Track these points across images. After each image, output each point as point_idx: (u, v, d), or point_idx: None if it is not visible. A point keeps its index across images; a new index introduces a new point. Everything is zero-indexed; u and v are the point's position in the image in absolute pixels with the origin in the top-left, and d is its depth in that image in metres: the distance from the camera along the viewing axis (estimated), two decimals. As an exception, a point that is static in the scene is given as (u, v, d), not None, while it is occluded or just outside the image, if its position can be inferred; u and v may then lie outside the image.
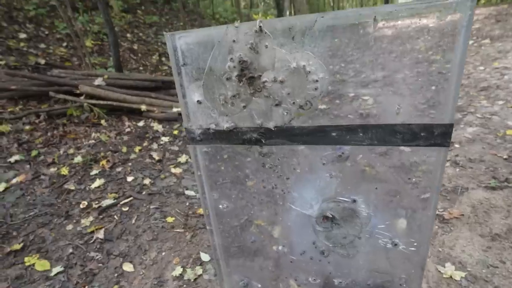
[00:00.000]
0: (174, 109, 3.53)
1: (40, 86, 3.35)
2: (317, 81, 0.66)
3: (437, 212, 1.74)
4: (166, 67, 5.61)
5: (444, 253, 1.48)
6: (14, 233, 1.85)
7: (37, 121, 3.11)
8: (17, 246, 1.74)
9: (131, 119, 3.49)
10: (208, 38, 0.71)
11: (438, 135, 0.63)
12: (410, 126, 0.64)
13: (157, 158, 2.71)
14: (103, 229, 1.87)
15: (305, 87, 0.67)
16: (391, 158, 0.71)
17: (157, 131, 3.28)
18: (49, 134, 3.04)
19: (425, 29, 0.60)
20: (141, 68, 5.30)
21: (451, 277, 1.35)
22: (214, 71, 0.73)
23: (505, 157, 2.16)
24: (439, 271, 1.38)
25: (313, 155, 0.75)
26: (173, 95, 3.84)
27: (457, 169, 2.12)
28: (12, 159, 2.52)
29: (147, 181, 2.36)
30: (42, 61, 4.15)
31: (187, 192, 2.21)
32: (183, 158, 2.73)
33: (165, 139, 3.11)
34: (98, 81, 3.44)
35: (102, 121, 3.33)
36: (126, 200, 2.14)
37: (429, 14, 0.58)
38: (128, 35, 6.24)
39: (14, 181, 2.32)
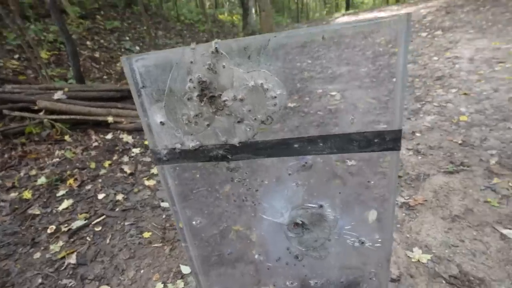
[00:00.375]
0: (143, 119, 3.42)
1: (-9, 105, 3.11)
2: (275, 97, 0.68)
3: (403, 200, 1.86)
4: (131, 74, 5.42)
5: (411, 239, 1.59)
6: (-25, 269, 1.71)
7: (-9, 142, 2.89)
8: (-21, 283, 1.61)
9: (98, 132, 3.34)
10: (165, 60, 0.71)
11: (390, 141, 0.68)
12: (364, 134, 0.69)
13: (129, 171, 2.62)
14: (75, 253, 1.79)
15: (264, 104, 0.69)
16: (350, 164, 0.76)
17: (127, 142, 3.17)
18: (6, 155, 2.83)
19: (369, 45, 0.65)
20: (105, 77, 5.08)
21: (418, 260, 1.45)
22: (175, 92, 0.73)
23: (459, 142, 2.35)
24: (408, 256, 1.48)
25: (279, 166, 0.78)
26: (141, 103, 3.72)
27: (419, 157, 2.28)
28: (-34, 187, 2.32)
29: (119, 197, 2.29)
30: (-8, 77, 3.84)
31: (162, 204, 2.17)
32: (156, 169, 2.67)
33: (136, 150, 3.01)
34: (58, 94, 3.26)
35: (66, 137, 3.16)
36: (98, 220, 2.06)
37: (371, 31, 0.62)
38: (88, 42, 5.94)
39: (-31, 211, 2.14)
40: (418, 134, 2.61)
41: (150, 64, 0.72)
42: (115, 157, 2.91)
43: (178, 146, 0.79)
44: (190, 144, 0.78)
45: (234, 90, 0.69)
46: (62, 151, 2.93)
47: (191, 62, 0.69)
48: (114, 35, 6.68)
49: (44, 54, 4.71)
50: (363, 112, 0.70)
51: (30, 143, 3.04)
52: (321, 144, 0.72)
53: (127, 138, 3.22)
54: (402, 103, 0.65)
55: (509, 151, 2.09)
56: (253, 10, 11.39)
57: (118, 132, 3.36)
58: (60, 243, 1.88)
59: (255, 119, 0.72)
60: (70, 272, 1.67)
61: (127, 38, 6.86)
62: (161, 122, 0.77)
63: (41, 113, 3.18)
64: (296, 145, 0.74)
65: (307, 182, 0.78)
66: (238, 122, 0.73)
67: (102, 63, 5.48)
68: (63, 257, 1.77)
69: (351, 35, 0.63)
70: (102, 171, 2.65)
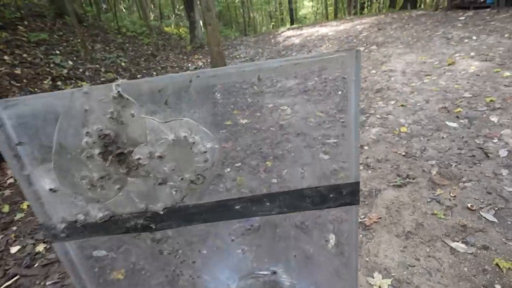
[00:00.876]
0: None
1: None
2: (205, 152, 0.53)
3: (359, 220, 1.84)
4: (62, 93, 4.80)
5: (371, 262, 1.54)
6: None
7: None
8: None
9: (16, 165, 2.80)
10: (48, 108, 0.51)
11: (347, 194, 0.58)
12: (318, 189, 0.57)
13: (54, 212, 2.20)
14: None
15: (192, 160, 0.54)
16: (305, 222, 0.64)
17: (54, 175, 2.70)
18: None
19: (319, 84, 0.54)
20: (27, 97, 4.40)
21: (380, 287, 1.40)
22: (67, 149, 0.53)
23: (403, 153, 2.46)
24: (370, 283, 1.43)
25: (219, 232, 0.62)
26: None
27: (369, 171, 2.32)
28: None
29: (41, 248, 1.88)
30: None
31: (95, 253, 1.83)
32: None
33: (65, 184, 2.58)
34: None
35: (-29, 175, 2.58)
36: (8, 283, 1.65)
37: (314, 67, 0.51)
38: (6, 57, 5.14)
39: None
40: (366, 148, 2.68)
41: (26, 112, 0.51)
42: (37, 195, 2.44)
43: (81, 217, 0.59)
44: (98, 214, 0.58)
45: (150, 146, 0.52)
46: (-36, 194, 2.37)
47: (86, 110, 0.50)
48: (40, 48, 5.92)
49: None
50: (314, 165, 0.59)
51: None
52: (268, 204, 0.58)
53: (54, 170, 2.75)
54: (357, 153, 0.55)
55: (446, 161, 2.23)
56: (201, 23, 11.26)
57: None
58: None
59: (182, 179, 0.55)
60: None
61: (57, 52, 6.13)
62: (51, 188, 0.56)
63: None
64: (237, 207, 0.59)
65: (255, 246, 0.64)
66: (160, 184, 0.56)
67: (25, 80, 4.76)
68: None
69: (292, 72, 0.51)
70: (19, 216, 2.18)
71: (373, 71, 4.92)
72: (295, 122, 3.43)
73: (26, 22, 7.00)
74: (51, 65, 5.56)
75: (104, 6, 12.28)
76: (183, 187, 0.56)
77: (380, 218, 1.83)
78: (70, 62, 5.97)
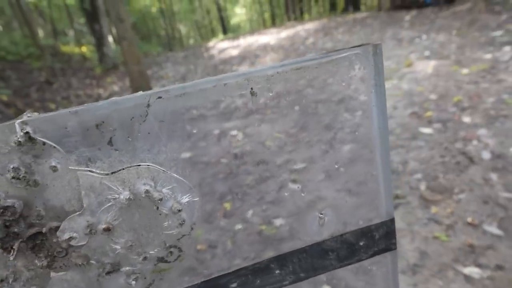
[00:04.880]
0: None
1: None
2: (179, 210, 0.42)
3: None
4: None
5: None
6: None
7: None
8: None
9: None
10: None
11: (381, 238, 0.52)
12: (343, 238, 0.50)
13: None
14: None
15: (160, 226, 0.43)
16: (329, 284, 0.56)
17: None
18: None
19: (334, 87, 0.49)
20: None
21: None
22: None
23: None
24: None
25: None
26: None
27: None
28: None
29: None
30: None
31: None
32: None
33: None
34: None
35: None
36: None
37: (322, 71, 0.47)
38: None
39: None
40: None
41: None
42: None
43: None
44: None
45: (88, 215, 0.40)
46: None
47: (-33, 171, 0.36)
48: None
49: None
50: (334, 204, 0.52)
51: None
52: (277, 272, 0.49)
53: None
54: (389, 181, 0.51)
55: (431, 172, 2.41)
56: (110, 39, 10.97)
57: None
58: None
59: (145, 258, 0.43)
60: None
61: None
62: None
63: None
64: (233, 285, 0.48)
65: None
66: (109, 273, 0.43)
67: None
68: None
69: (293, 79, 0.46)
70: None
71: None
72: (251, 149, 3.41)
73: None
74: None
75: (-30, 24, 11.24)
76: (147, 270, 0.44)
77: (378, 253, 1.84)
78: None
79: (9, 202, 0.38)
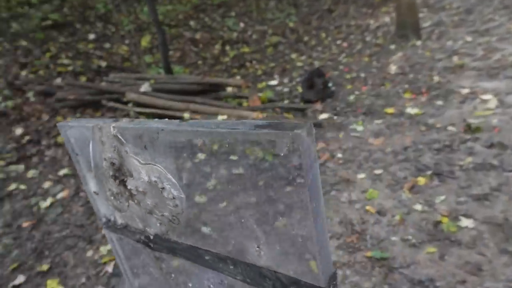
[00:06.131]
0: (220, 117, 3.78)
1: (94, 95, 4.14)
2: (173, 198, 0.67)
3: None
4: (227, 59, 5.98)
5: None
6: (46, 253, 2.42)
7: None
8: (44, 267, 2.28)
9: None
10: (84, 135, 0.80)
11: (310, 295, 0.56)
12: (277, 275, 0.59)
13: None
14: (114, 261, 2.25)
15: (165, 203, 0.69)
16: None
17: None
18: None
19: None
20: (200, 62, 5.82)
21: None
22: (98, 167, 0.82)
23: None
24: None
25: (200, 274, 0.76)
26: (221, 98, 4.10)
27: None
28: (61, 173, 3.25)
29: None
30: (104, 64, 5.08)
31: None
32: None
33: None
34: (145, 87, 4.00)
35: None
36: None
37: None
38: (192, 22, 6.91)
39: (59, 196, 3.00)
40: None
41: (76, 135, 0.84)
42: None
43: (112, 218, 0.89)
44: (119, 220, 0.87)
45: (135, 180, 0.72)
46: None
47: (102, 142, 0.76)
48: (219, 11, 7.48)
49: (144, 42, 5.81)
50: (271, 244, 0.59)
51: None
52: (231, 267, 0.66)
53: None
54: (326, 242, 0.52)
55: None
56: None
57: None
58: (109, 246, 2.39)
59: (163, 215, 0.73)
60: (105, 281, 2.13)
61: (233, 13, 7.53)
62: (94, 191, 0.89)
63: (129, 105, 4.01)
64: (207, 257, 0.70)
65: (229, 303, 0.73)
66: (149, 213, 0.76)
67: (201, 45, 6.27)
68: (105, 263, 2.26)
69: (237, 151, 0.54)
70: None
71: None
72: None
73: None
74: (224, 29, 6.93)
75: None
76: (165, 222, 0.73)
77: None
78: (242, 24, 7.19)
79: (114, 160, 0.75)
